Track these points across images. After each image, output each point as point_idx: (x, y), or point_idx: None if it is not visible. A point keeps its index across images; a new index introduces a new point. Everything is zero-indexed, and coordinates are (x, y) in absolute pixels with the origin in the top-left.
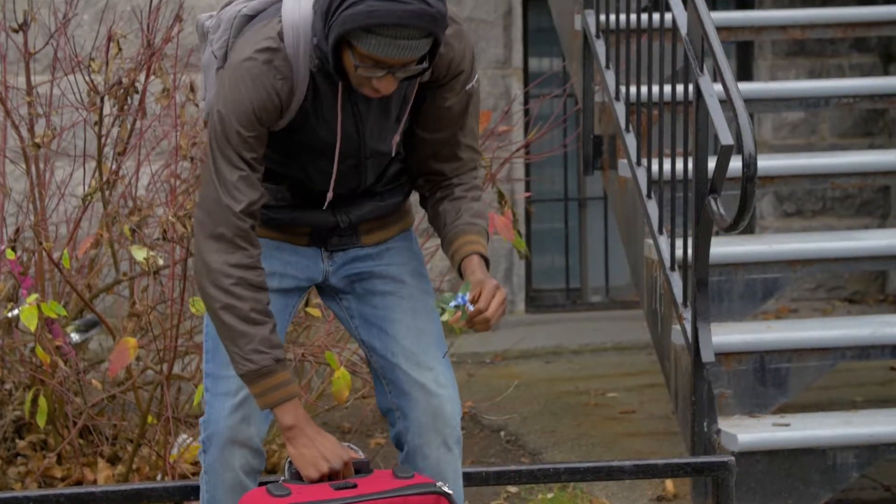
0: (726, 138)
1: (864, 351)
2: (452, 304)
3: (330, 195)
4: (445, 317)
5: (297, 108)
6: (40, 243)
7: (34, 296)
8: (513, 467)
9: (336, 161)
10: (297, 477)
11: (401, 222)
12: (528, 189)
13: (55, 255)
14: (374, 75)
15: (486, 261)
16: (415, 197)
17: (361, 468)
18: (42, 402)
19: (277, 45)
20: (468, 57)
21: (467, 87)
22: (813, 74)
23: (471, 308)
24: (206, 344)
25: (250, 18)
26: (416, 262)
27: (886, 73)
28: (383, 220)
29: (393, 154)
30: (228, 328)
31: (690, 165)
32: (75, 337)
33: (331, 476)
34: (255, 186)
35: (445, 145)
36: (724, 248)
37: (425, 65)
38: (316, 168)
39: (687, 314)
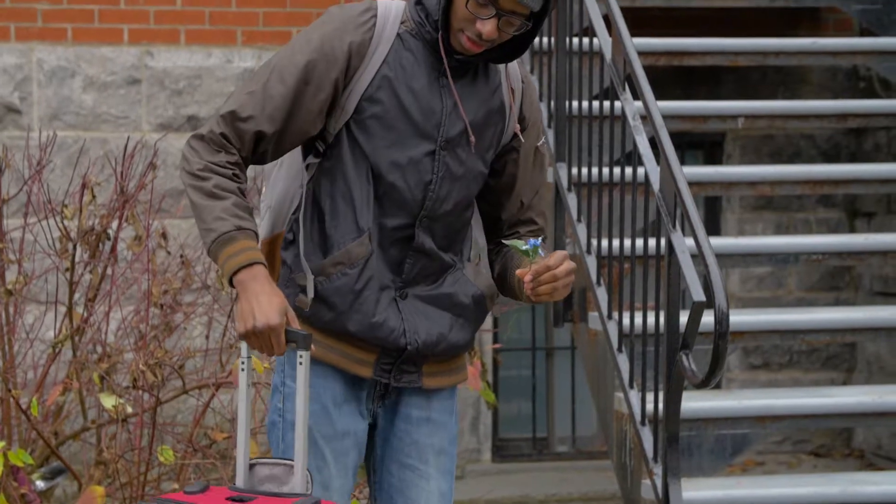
0: (698, 295)
1: None
2: (525, 247)
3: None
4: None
5: (375, 71)
6: (9, 390)
7: (0, 443)
8: None
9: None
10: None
11: (460, 373)
12: (496, 340)
13: (23, 402)
14: (481, 15)
15: None
16: None
17: (297, 340)
18: None
19: (372, 6)
20: (541, 114)
21: (539, 144)
22: (780, 228)
23: (542, 254)
24: None
25: None
26: (446, 441)
27: (852, 228)
28: (448, 363)
29: (466, 148)
30: (195, 206)
31: (662, 320)
32: (41, 484)
33: (260, 336)
34: (254, 106)
35: (525, 209)
36: (693, 402)
37: (529, 24)
38: (391, 160)
39: (657, 469)
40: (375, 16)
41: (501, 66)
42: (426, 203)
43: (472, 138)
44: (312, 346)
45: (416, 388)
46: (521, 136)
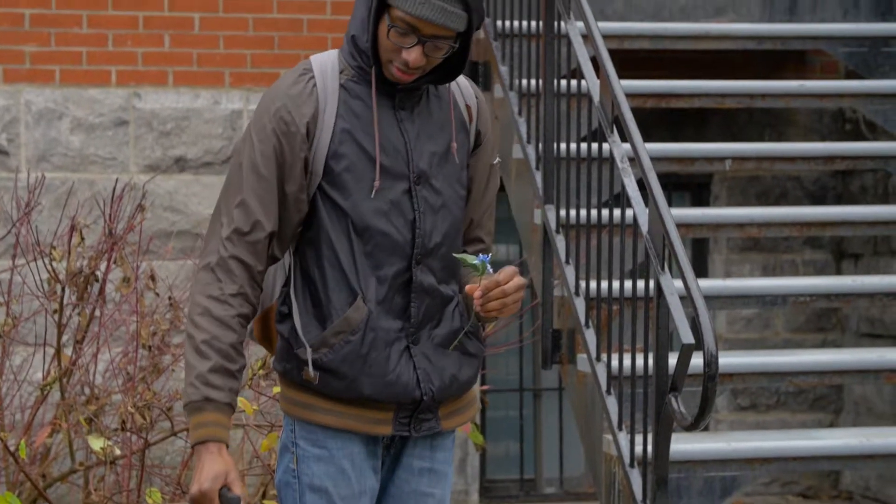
0: (687, 337)
1: None
2: (474, 261)
3: (377, 184)
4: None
5: (332, 127)
6: None
7: None
8: None
9: (377, 153)
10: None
11: (473, 407)
12: (484, 381)
13: (10, 444)
14: (404, 44)
15: None
16: None
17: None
18: None
19: (306, 68)
20: (492, 131)
21: (493, 162)
22: (767, 269)
23: (490, 270)
24: None
25: None
26: (446, 490)
27: (839, 270)
28: (460, 401)
29: (437, 176)
30: (185, 357)
31: (650, 362)
32: None
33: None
34: (250, 215)
35: (473, 227)
36: (682, 444)
37: (456, 46)
38: (374, 209)
39: None
40: (313, 76)
41: (453, 84)
42: (416, 241)
43: (376, 178)
44: (329, 417)
45: (420, 437)
46: (455, 156)
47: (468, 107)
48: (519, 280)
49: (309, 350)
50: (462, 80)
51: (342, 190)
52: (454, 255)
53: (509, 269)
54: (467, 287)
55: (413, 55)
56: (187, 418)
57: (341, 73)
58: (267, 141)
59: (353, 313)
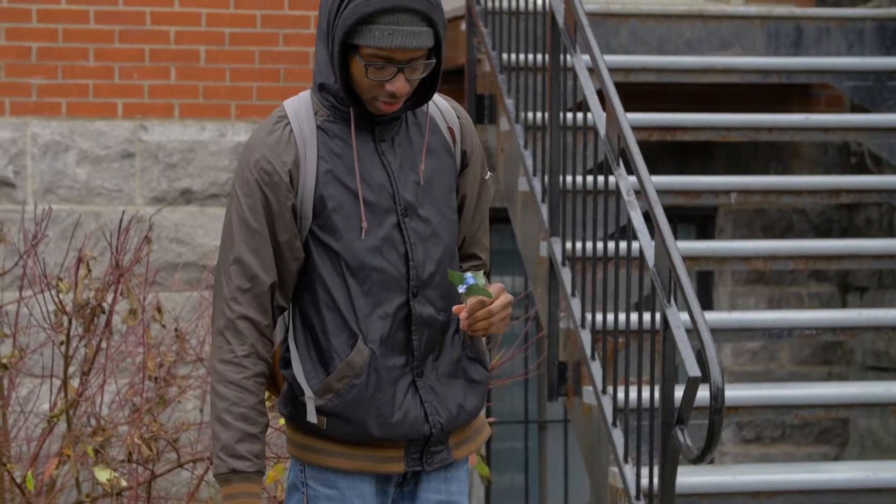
0: (693, 370)
1: None
2: (461, 287)
3: (364, 224)
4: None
5: (314, 170)
6: (3, 464)
7: None
8: None
9: (360, 193)
10: None
11: (483, 431)
12: (489, 413)
13: (17, 475)
14: (384, 78)
15: None
16: None
17: None
18: None
19: (280, 115)
20: (480, 143)
21: (486, 178)
22: (772, 302)
23: (464, 289)
24: None
25: None
26: None
27: (844, 303)
28: (470, 428)
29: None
30: (211, 424)
31: (656, 394)
32: None
33: None
34: (247, 271)
35: (467, 244)
36: (688, 477)
37: (432, 61)
38: (367, 247)
39: None
40: (289, 122)
41: (433, 108)
42: (411, 273)
43: (362, 218)
44: (340, 460)
45: (433, 470)
46: (421, 178)
47: (450, 129)
48: (505, 298)
49: (314, 398)
50: (443, 102)
51: (332, 231)
52: (448, 269)
53: (495, 288)
54: (454, 308)
55: (398, 84)
56: (218, 485)
57: (316, 114)
58: (252, 194)
59: (355, 356)
